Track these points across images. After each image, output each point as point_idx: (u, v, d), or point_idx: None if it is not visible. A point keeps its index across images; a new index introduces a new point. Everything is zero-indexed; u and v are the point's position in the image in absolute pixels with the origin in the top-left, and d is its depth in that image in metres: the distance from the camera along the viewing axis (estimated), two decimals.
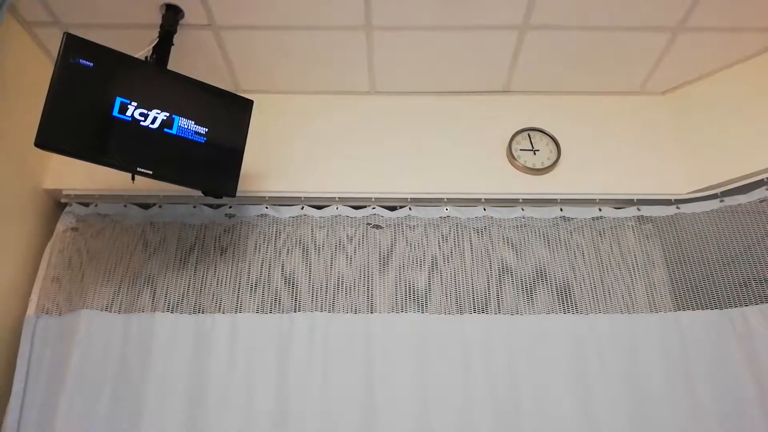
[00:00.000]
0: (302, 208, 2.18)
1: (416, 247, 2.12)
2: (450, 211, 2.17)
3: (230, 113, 1.91)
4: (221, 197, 1.99)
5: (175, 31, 1.98)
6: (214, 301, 2.03)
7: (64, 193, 2.17)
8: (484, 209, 2.17)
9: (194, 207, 2.19)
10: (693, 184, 2.13)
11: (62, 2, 1.95)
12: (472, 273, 2.06)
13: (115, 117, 1.68)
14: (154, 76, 1.81)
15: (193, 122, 1.82)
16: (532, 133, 2.25)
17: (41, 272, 2.06)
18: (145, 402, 1.82)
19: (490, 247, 2.11)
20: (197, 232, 2.16)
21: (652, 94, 2.34)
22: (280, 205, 2.20)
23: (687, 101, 2.25)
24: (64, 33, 1.64)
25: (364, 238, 2.13)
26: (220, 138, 1.87)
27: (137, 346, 1.91)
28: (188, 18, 2.00)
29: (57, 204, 2.21)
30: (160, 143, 1.76)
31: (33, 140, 1.57)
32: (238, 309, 2.01)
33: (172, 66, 1.90)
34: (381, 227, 2.16)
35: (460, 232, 2.14)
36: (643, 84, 2.29)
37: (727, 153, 2.07)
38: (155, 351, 1.89)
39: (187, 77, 1.85)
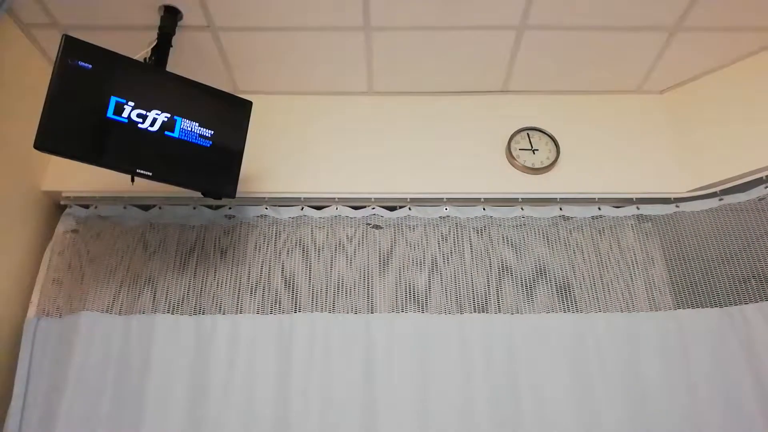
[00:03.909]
0: (302, 208, 2.19)
1: (416, 247, 2.12)
2: (449, 210, 2.17)
3: (230, 114, 1.92)
4: (221, 198, 1.99)
5: (174, 33, 1.98)
6: (215, 302, 2.03)
7: (64, 195, 2.17)
8: (484, 209, 2.18)
9: (194, 208, 2.19)
10: (692, 183, 2.13)
11: (60, 4, 1.95)
12: (471, 272, 2.06)
13: (111, 118, 1.68)
14: (152, 77, 1.81)
15: (197, 124, 1.83)
16: (531, 133, 2.25)
17: (41, 274, 2.06)
18: (145, 403, 1.82)
19: (489, 247, 2.11)
20: (197, 233, 2.17)
21: (651, 93, 2.34)
22: (279, 206, 2.20)
23: (685, 100, 2.26)
24: (62, 35, 1.65)
25: (364, 238, 2.14)
26: (223, 140, 1.87)
27: (138, 347, 1.91)
28: (187, 19, 2.00)
29: (57, 206, 2.21)
30: (161, 145, 1.76)
31: (32, 142, 1.57)
32: (238, 310, 2.01)
33: (170, 67, 1.90)
34: (381, 227, 2.16)
35: (459, 232, 2.15)
36: (642, 83, 2.29)
37: (726, 151, 2.08)
38: (156, 352, 1.89)
39: (186, 78, 1.85)
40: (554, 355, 1.89)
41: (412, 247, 2.12)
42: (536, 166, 2.18)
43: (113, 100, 1.69)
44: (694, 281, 1.99)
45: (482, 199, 2.18)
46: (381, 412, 1.82)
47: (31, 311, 2.00)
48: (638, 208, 2.15)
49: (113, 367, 1.89)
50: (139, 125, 1.73)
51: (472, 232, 2.15)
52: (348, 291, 2.04)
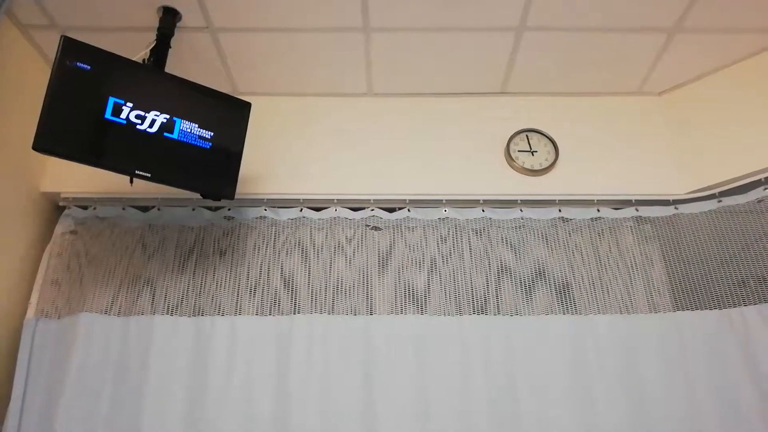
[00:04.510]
0: (301, 210, 2.19)
1: (415, 248, 2.12)
2: (449, 212, 2.17)
3: (229, 116, 1.91)
4: (220, 200, 1.99)
5: (173, 34, 1.98)
6: (214, 304, 2.03)
7: (63, 196, 2.17)
8: (483, 210, 2.17)
9: (193, 209, 2.19)
10: (691, 185, 2.13)
11: (59, 5, 1.95)
12: (471, 274, 2.06)
13: (108, 119, 1.68)
14: (151, 78, 1.81)
15: (196, 126, 1.82)
16: (530, 134, 2.25)
17: (40, 275, 2.06)
18: (144, 405, 1.82)
19: (488, 248, 2.11)
20: (196, 234, 2.16)
21: (649, 95, 2.34)
22: (278, 207, 2.20)
23: (684, 102, 2.26)
24: (61, 36, 1.64)
25: (363, 239, 2.14)
26: (222, 141, 1.87)
27: (137, 348, 1.91)
28: (185, 20, 2.00)
29: (55, 207, 2.21)
30: (159, 146, 1.76)
31: (31, 143, 1.57)
32: (237, 311, 2.01)
33: (169, 69, 1.90)
34: (380, 229, 2.16)
35: (458, 234, 2.14)
36: (641, 85, 2.29)
37: (725, 153, 2.08)
38: (154, 353, 1.89)
39: (185, 80, 1.85)
40: (553, 356, 1.89)
41: (411, 249, 2.12)
42: (535, 168, 2.18)
43: (111, 100, 1.69)
44: (693, 283, 1.99)
45: (481, 201, 2.18)
46: (380, 413, 1.82)
47: (30, 312, 1.99)
48: (637, 210, 2.15)
49: (112, 369, 1.89)
50: (138, 126, 1.73)
51: (471, 233, 2.15)
52: (347, 292, 2.04)
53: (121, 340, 1.93)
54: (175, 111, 1.80)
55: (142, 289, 2.05)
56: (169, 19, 1.96)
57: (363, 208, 2.19)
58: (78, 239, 2.15)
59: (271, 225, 2.17)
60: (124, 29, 2.03)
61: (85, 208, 2.20)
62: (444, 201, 2.18)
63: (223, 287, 2.06)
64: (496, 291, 2.03)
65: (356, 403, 1.83)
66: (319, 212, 2.18)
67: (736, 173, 2.03)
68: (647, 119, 2.29)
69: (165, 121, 1.78)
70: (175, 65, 2.07)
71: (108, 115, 1.68)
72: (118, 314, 2.00)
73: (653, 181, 2.16)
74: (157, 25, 1.96)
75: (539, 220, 2.16)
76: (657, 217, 2.14)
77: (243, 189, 2.14)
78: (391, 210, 2.19)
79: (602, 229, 2.15)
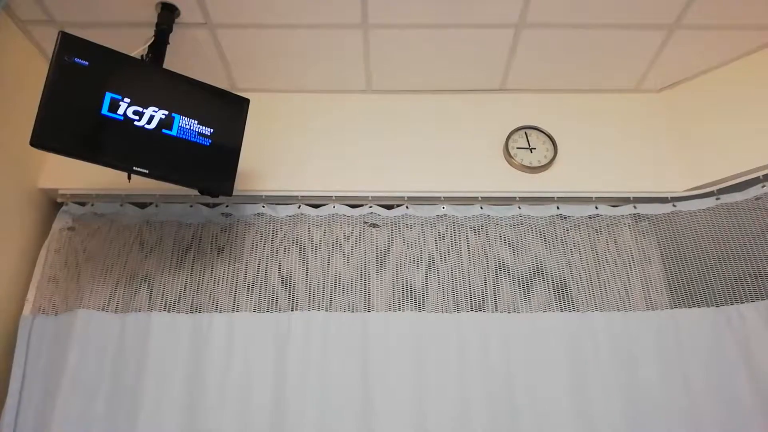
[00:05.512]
0: (299, 206, 2.18)
1: (413, 245, 2.12)
2: (447, 209, 2.17)
3: (227, 112, 1.91)
4: (218, 196, 1.99)
5: (171, 30, 1.98)
6: (211, 301, 2.03)
7: (61, 192, 2.16)
8: (481, 207, 2.17)
9: (191, 206, 2.19)
10: (689, 182, 2.13)
11: (57, 1, 1.94)
12: (469, 271, 2.06)
13: (105, 115, 1.67)
14: (150, 74, 1.80)
15: (195, 122, 1.82)
16: (528, 131, 2.25)
17: (37, 272, 2.06)
18: (142, 402, 1.82)
19: (486, 246, 2.11)
20: (194, 231, 2.16)
21: (649, 92, 2.34)
22: (276, 204, 2.20)
23: (683, 99, 2.26)
24: (59, 32, 1.64)
25: (361, 236, 2.13)
26: (220, 138, 1.87)
27: (134, 345, 1.91)
28: (184, 17, 1.99)
29: (53, 203, 2.20)
30: (157, 143, 1.75)
31: (28, 139, 1.57)
32: (235, 308, 2.01)
33: (167, 65, 1.90)
34: (378, 226, 2.16)
35: (456, 231, 2.14)
36: (640, 82, 2.29)
37: (724, 150, 2.08)
38: (152, 350, 1.89)
39: (183, 76, 1.85)
40: (551, 354, 1.89)
41: (410, 246, 2.12)
42: (534, 165, 2.17)
43: (108, 96, 1.68)
44: (690, 280, 1.99)
45: (479, 198, 2.17)
46: (378, 411, 1.82)
47: (27, 309, 1.99)
48: (635, 207, 2.15)
49: (109, 365, 1.88)
50: (135, 123, 1.72)
51: (469, 230, 2.15)
52: (345, 289, 2.03)
53: (119, 337, 1.93)
54: (173, 107, 1.79)
55: (140, 286, 2.05)
56: (168, 15, 1.96)
57: (361, 205, 2.19)
58: (76, 235, 2.14)
59: (269, 222, 2.17)
60: (122, 25, 2.03)
61: (82, 204, 2.19)
62: (442, 198, 2.18)
63: (220, 284, 2.05)
64: (494, 288, 2.03)
65: (354, 399, 1.83)
66: (317, 209, 2.18)
67: (734, 170, 2.03)
68: (646, 116, 2.29)
69: (163, 117, 1.77)
70: (173, 61, 2.07)
71: (105, 111, 1.68)
72: (116, 311, 2.00)
73: (652, 179, 2.16)
74: (155, 21, 1.96)
75: (537, 218, 2.16)
76: (655, 215, 2.14)
77: (241, 185, 2.14)
78: (389, 207, 2.19)
79: (600, 227, 2.15)
